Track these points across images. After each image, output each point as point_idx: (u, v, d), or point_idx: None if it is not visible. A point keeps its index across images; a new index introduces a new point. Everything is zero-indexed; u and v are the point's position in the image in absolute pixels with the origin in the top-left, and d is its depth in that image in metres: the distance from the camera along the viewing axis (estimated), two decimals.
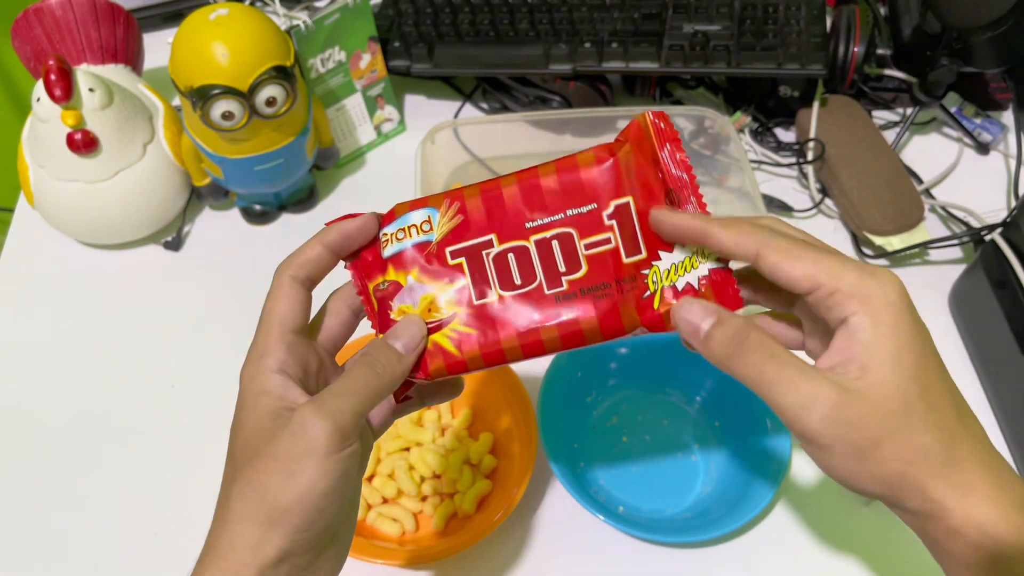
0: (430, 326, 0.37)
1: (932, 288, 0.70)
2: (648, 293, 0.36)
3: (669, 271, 0.36)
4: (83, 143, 0.66)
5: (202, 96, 0.62)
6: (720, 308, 0.35)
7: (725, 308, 0.35)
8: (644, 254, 0.36)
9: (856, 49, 0.75)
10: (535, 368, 0.58)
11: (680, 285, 0.36)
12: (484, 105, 0.85)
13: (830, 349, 0.33)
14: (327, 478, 0.33)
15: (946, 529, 0.32)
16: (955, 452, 0.32)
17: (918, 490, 0.32)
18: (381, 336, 0.37)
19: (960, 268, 0.69)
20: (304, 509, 0.33)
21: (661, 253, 0.36)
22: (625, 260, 0.36)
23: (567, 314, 0.36)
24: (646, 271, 0.36)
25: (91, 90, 0.65)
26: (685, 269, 0.36)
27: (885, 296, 0.32)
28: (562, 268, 0.36)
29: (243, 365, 0.36)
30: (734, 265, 0.36)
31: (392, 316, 0.37)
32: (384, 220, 0.38)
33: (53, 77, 0.63)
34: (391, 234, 0.37)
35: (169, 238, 0.75)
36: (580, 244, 0.36)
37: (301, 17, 0.71)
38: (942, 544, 0.32)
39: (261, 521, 0.32)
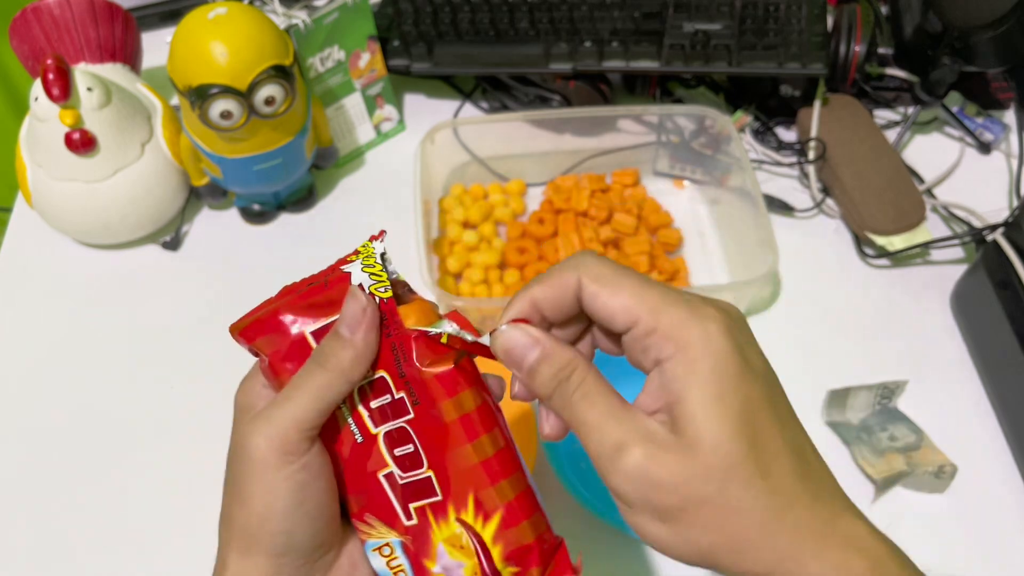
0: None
1: (934, 288, 0.69)
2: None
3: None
4: (81, 142, 0.65)
5: (201, 95, 0.62)
6: (545, 338, 0.30)
7: (549, 338, 0.30)
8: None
9: (857, 48, 0.75)
10: None
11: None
12: (484, 104, 0.85)
13: (644, 391, 0.30)
14: (281, 498, 0.30)
15: None
16: (786, 518, 0.27)
17: (734, 564, 0.28)
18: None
19: (962, 268, 0.69)
20: (270, 532, 0.31)
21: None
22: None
23: None
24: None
25: (89, 89, 0.65)
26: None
27: (707, 341, 0.28)
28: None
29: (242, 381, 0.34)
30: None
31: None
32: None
33: (51, 76, 0.63)
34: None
35: (167, 238, 0.75)
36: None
37: (300, 16, 0.71)
38: None
39: (240, 550, 0.31)
